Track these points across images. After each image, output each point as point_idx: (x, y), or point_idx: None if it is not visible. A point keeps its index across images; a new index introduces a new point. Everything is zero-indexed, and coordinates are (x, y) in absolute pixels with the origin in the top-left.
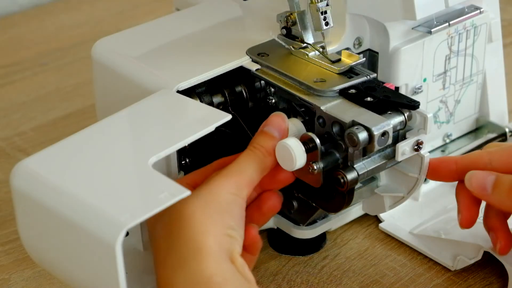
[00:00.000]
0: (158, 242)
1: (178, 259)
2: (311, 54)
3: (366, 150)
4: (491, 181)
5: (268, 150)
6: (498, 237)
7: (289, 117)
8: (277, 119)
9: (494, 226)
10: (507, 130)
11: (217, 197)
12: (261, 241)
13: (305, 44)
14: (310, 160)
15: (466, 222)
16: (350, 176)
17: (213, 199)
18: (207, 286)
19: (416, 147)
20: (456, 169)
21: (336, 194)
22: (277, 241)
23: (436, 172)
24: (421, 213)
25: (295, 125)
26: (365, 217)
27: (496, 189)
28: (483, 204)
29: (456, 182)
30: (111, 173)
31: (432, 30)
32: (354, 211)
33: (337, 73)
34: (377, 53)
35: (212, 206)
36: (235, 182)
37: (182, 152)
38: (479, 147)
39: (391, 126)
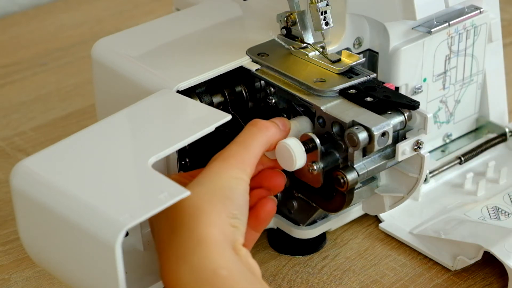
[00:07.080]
0: (161, 234)
1: (183, 252)
2: (311, 54)
3: (366, 150)
4: None
5: (268, 123)
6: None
7: (289, 117)
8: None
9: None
10: (507, 130)
11: (219, 184)
12: (269, 219)
13: (305, 44)
14: (310, 160)
15: None
16: (350, 176)
17: (215, 187)
18: (212, 279)
19: (416, 147)
20: None
21: (336, 194)
22: (277, 241)
23: None
24: (421, 213)
25: (301, 123)
26: (365, 217)
27: None
28: None
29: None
30: (111, 173)
31: (432, 30)
32: (354, 211)
33: (337, 73)
34: (377, 53)
35: (215, 194)
36: (237, 163)
37: (182, 152)
38: (479, 147)
39: (391, 126)
